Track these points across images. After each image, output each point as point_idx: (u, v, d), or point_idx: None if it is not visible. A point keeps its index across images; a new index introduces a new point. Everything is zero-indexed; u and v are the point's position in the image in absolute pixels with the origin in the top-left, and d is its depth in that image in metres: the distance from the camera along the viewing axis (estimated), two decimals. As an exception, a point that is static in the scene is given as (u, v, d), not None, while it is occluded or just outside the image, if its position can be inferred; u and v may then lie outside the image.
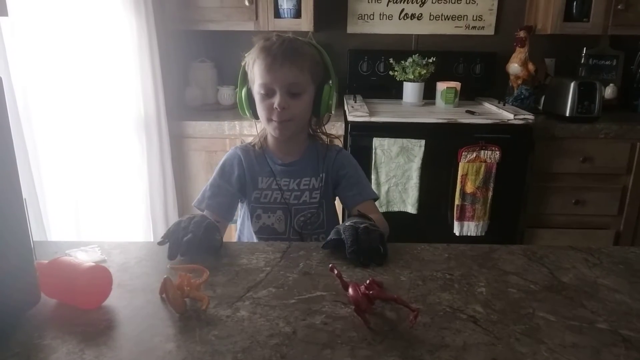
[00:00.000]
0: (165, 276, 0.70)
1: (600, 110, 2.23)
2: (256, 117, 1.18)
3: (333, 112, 1.20)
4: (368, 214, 1.08)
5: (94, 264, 0.74)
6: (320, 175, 1.21)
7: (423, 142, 2.05)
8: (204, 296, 0.71)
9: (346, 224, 0.93)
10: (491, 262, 0.88)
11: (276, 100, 1.10)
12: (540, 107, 2.44)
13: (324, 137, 1.27)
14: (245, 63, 1.16)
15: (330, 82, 1.16)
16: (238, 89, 1.18)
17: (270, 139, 1.22)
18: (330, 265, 0.76)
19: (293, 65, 1.09)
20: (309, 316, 0.71)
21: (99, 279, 0.73)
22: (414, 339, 0.65)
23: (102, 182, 1.80)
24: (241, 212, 1.27)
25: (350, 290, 0.70)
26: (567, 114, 2.24)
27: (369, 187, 1.26)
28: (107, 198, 1.83)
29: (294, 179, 1.21)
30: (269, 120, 1.13)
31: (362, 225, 0.91)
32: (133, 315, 0.71)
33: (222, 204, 1.17)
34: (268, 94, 1.11)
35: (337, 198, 1.28)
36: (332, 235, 0.93)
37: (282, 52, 1.09)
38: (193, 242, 0.88)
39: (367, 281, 0.74)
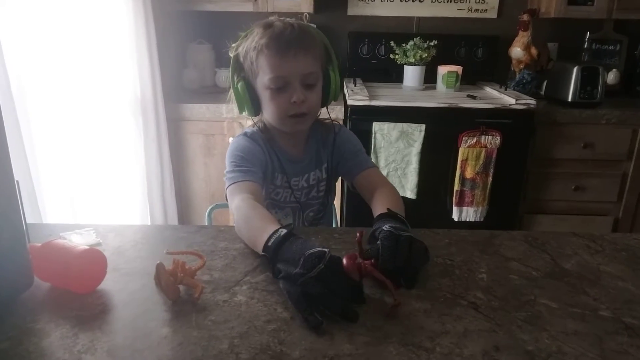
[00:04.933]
0: (158, 262, 0.69)
1: (602, 96, 2.21)
2: (257, 113, 1.07)
3: (337, 98, 1.12)
4: (374, 182, 1.04)
5: (88, 247, 0.72)
6: (324, 165, 1.16)
7: (423, 126, 2.02)
8: (198, 283, 0.70)
9: (384, 227, 0.79)
10: (492, 248, 0.87)
11: (293, 93, 0.99)
12: (542, 92, 2.41)
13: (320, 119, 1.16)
14: (237, 54, 1.04)
15: (332, 66, 1.06)
16: (232, 84, 1.05)
17: (274, 132, 1.10)
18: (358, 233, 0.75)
19: (308, 54, 0.99)
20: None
21: (93, 262, 0.72)
22: (413, 325, 0.64)
23: (99, 166, 1.78)
24: None
25: (345, 260, 0.71)
26: (569, 99, 2.21)
27: (367, 157, 1.17)
28: (103, 182, 1.82)
29: (302, 176, 1.14)
30: (284, 117, 1.02)
31: (405, 234, 0.77)
32: (128, 300, 0.70)
33: (260, 175, 1.04)
34: (281, 88, 1.00)
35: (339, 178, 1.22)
36: (371, 249, 0.78)
37: (296, 39, 0.97)
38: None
39: (372, 260, 0.73)
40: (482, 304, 0.69)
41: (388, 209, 0.88)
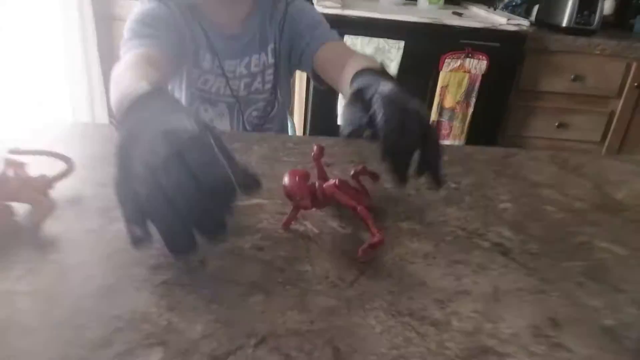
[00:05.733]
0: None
1: (599, 23, 1.99)
2: None
3: None
4: (343, 53, 0.74)
5: None
6: (271, 45, 0.86)
7: (402, 43, 1.73)
8: (43, 200, 0.41)
9: (380, 88, 0.49)
10: (511, 169, 0.61)
11: None
12: (532, 18, 2.16)
13: None
14: None
15: None
16: None
17: None
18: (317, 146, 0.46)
19: None
20: (235, 236, 0.42)
21: None
22: (409, 279, 0.38)
23: (11, 74, 1.43)
24: None
25: (287, 178, 0.43)
26: (564, 24, 1.98)
27: (332, 31, 0.87)
28: (19, 91, 1.46)
29: (240, 59, 0.84)
30: None
31: (412, 107, 0.48)
32: None
33: (167, 40, 0.72)
34: None
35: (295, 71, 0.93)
36: (352, 114, 0.47)
37: None
38: None
39: (336, 181, 0.44)
40: (513, 246, 0.44)
41: (381, 64, 0.58)
